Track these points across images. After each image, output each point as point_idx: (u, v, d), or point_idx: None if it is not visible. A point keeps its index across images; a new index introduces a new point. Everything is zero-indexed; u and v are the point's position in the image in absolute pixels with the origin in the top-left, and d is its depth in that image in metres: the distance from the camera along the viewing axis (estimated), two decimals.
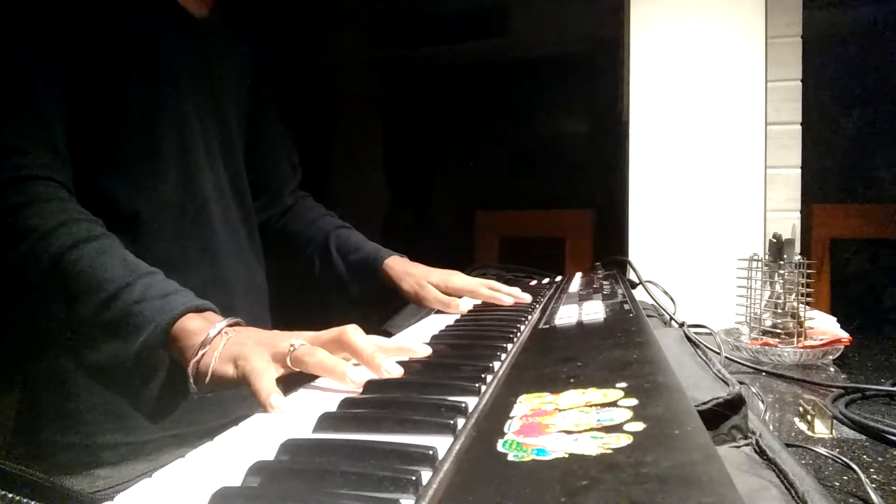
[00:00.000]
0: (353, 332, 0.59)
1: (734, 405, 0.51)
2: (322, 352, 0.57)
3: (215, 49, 0.91)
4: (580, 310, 0.76)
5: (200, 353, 0.61)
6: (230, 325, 0.63)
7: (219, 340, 0.61)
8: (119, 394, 0.76)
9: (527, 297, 0.95)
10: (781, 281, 1.06)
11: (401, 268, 1.01)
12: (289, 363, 0.58)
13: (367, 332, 0.60)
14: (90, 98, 0.77)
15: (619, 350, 0.51)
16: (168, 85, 0.83)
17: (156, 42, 0.82)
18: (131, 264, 0.68)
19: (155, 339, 0.62)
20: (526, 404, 0.39)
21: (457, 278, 0.99)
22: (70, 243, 0.66)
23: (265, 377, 0.55)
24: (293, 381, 0.56)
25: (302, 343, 0.58)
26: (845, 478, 0.54)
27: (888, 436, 0.64)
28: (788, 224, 1.11)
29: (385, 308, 1.05)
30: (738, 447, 0.50)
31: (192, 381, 0.61)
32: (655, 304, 1.13)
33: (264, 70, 1.03)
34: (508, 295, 0.95)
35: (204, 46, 0.88)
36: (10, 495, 0.31)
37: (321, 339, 0.60)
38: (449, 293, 0.98)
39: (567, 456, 0.30)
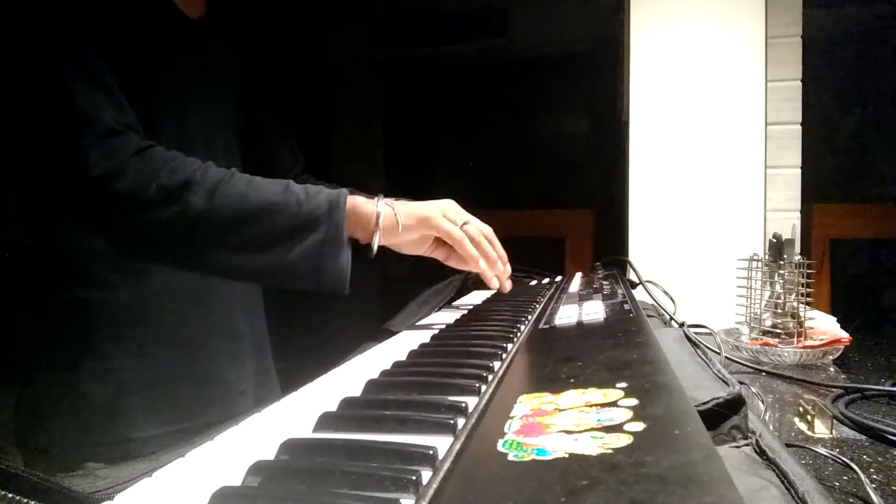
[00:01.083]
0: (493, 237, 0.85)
1: (734, 405, 0.51)
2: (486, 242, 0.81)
3: (212, 48, 0.92)
4: (580, 310, 0.76)
5: (381, 212, 0.75)
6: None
7: (390, 205, 0.76)
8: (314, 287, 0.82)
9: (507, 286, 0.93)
10: (781, 281, 1.06)
11: None
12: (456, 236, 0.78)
13: (367, 331, 0.61)
14: None
15: (619, 350, 0.51)
16: (167, 85, 0.83)
17: (153, 43, 0.82)
18: (272, 180, 0.76)
19: (340, 220, 0.73)
20: (526, 404, 0.39)
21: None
22: (218, 180, 0.72)
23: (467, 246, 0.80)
24: (294, 380, 0.56)
25: (467, 222, 0.79)
26: (845, 478, 0.54)
27: (888, 436, 0.64)
28: (788, 224, 1.11)
29: (386, 311, 1.05)
30: (738, 447, 0.50)
31: (379, 235, 0.76)
32: (655, 304, 1.13)
33: (259, 66, 1.04)
34: (502, 282, 0.91)
35: (200, 46, 0.89)
36: (10, 495, 0.31)
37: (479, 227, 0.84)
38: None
39: (567, 456, 0.30)
